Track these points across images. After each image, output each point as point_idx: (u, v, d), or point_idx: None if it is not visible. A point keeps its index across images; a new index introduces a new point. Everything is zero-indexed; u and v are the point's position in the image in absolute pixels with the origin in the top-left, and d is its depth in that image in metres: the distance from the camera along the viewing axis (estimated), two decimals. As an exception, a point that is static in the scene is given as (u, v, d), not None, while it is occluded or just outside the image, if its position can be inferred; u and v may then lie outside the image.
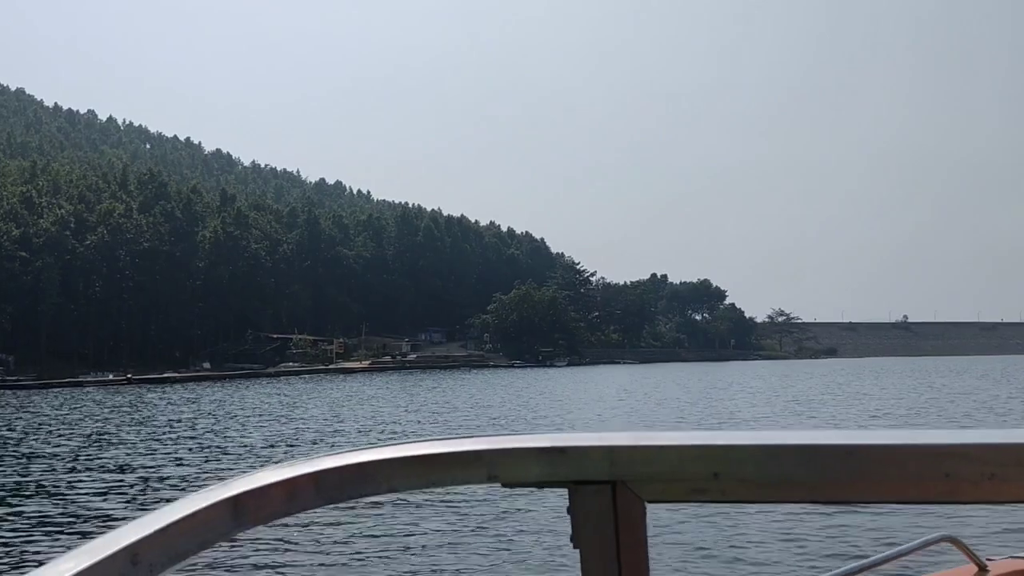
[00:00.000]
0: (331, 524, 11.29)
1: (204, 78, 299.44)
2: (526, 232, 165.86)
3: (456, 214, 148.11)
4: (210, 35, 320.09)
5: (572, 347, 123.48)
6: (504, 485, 0.96)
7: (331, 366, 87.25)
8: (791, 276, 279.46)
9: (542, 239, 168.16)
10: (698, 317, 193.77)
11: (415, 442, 0.97)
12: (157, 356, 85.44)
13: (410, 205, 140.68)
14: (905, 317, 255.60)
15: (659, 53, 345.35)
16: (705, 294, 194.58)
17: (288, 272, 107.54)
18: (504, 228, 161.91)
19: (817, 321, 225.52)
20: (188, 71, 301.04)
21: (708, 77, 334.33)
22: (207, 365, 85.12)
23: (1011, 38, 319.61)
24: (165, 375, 64.36)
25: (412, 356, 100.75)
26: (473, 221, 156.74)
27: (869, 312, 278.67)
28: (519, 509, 12.26)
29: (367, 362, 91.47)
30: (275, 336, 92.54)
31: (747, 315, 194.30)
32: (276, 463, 0.90)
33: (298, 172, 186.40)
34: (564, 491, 0.93)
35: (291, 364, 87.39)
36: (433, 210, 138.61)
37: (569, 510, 0.93)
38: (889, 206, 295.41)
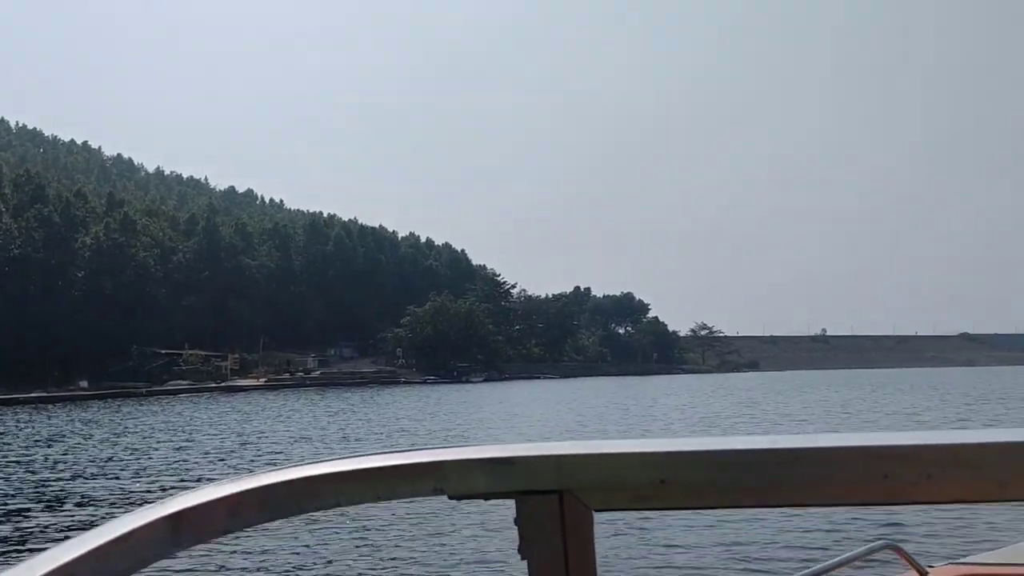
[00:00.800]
0: (276, 539, 11.09)
1: (107, 79, 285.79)
2: (446, 243, 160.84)
3: (374, 224, 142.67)
4: (116, 34, 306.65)
5: (490, 362, 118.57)
6: (451, 497, 0.95)
7: (223, 383, 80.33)
8: (714, 290, 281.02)
9: (463, 250, 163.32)
10: (621, 331, 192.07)
11: (361, 455, 0.96)
12: (33, 374, 77.24)
13: (324, 215, 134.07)
14: (823, 330, 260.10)
15: (574, 61, 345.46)
16: (628, 307, 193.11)
17: (183, 283, 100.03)
18: (423, 239, 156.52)
19: (740, 335, 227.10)
20: (91, 72, 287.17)
21: (627, 83, 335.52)
22: (84, 384, 77.32)
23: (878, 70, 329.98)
24: (13, 396, 56.77)
25: (316, 372, 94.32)
26: (391, 231, 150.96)
27: (789, 325, 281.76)
28: (467, 521, 12.09)
29: (263, 379, 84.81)
30: (163, 352, 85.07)
31: (670, 329, 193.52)
32: (219, 480, 0.89)
33: (206, 179, 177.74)
34: (511, 502, 0.92)
35: (179, 382, 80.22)
36: (346, 219, 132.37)
37: (516, 521, 0.92)
38: (807, 221, 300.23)
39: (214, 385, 79.07)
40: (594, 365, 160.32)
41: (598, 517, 0.93)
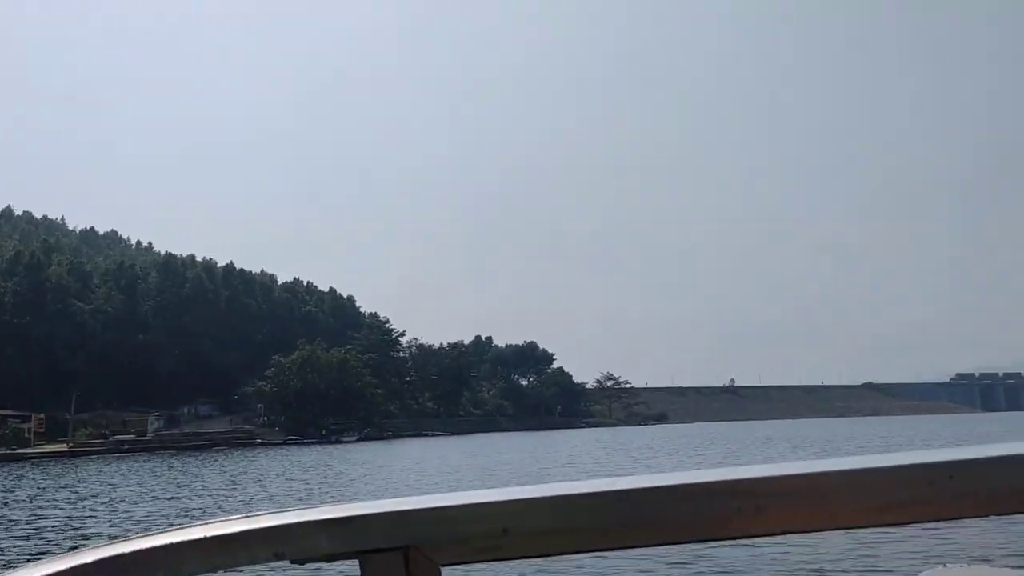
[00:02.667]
0: None
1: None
2: (331, 288, 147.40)
3: (252, 269, 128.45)
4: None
5: (368, 419, 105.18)
6: (293, 562, 0.92)
7: (19, 450, 65.09)
8: (622, 340, 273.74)
9: (350, 297, 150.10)
10: (524, 382, 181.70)
11: (194, 525, 0.93)
12: None
13: (181, 255, 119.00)
14: (732, 381, 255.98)
15: (488, 111, 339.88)
16: (531, 358, 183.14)
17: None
18: (305, 283, 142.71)
19: (648, 386, 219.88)
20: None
21: (537, 137, 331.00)
22: None
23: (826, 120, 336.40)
24: None
25: (149, 435, 79.45)
26: (268, 274, 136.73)
27: (699, 376, 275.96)
28: None
29: (68, 445, 69.77)
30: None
31: (576, 380, 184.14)
32: (37, 560, 0.84)
33: (62, 219, 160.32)
34: (356, 562, 0.91)
35: (-38, 450, 64.70)
36: (206, 259, 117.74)
37: None
38: (715, 273, 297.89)
39: (6, 452, 63.77)
40: (492, 420, 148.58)
41: (446, 572, 0.91)
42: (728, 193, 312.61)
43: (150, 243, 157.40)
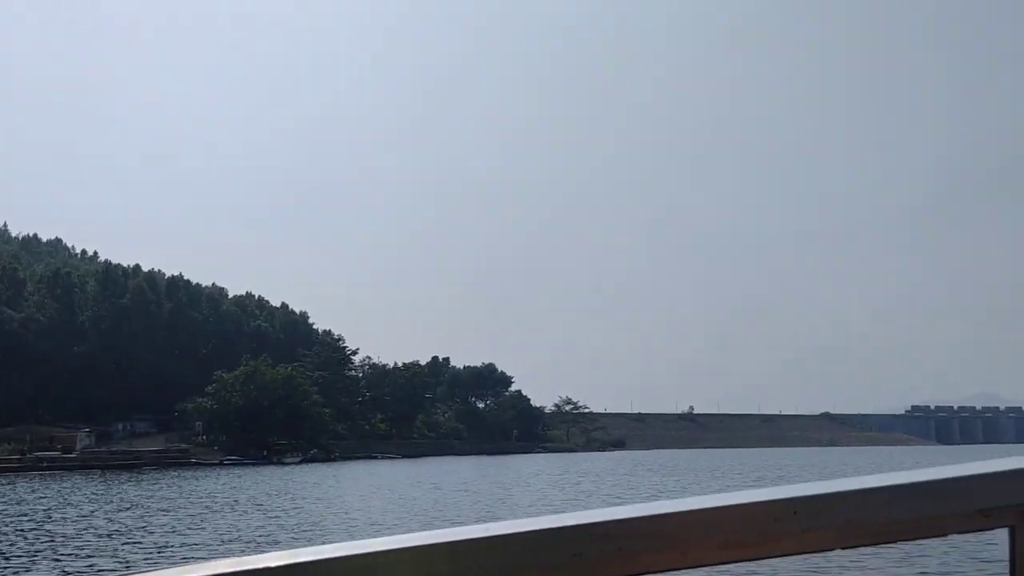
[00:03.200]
0: None
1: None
2: (283, 303, 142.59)
3: (204, 282, 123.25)
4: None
5: (314, 439, 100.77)
6: None
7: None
8: (581, 365, 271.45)
9: (303, 313, 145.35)
10: (481, 404, 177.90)
11: None
12: None
13: (122, 264, 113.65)
14: (691, 408, 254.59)
15: (455, 124, 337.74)
16: (489, 380, 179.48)
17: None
18: (256, 297, 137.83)
19: (607, 412, 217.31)
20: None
21: (506, 154, 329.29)
22: None
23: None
24: None
25: (75, 452, 74.49)
26: (219, 288, 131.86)
27: (658, 403, 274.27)
28: None
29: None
30: None
31: (534, 403, 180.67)
32: None
33: (4, 225, 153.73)
34: None
35: None
36: (150, 270, 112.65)
37: None
38: (677, 298, 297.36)
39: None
40: (447, 443, 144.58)
41: None
42: (689, 213, 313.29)
43: (95, 252, 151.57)
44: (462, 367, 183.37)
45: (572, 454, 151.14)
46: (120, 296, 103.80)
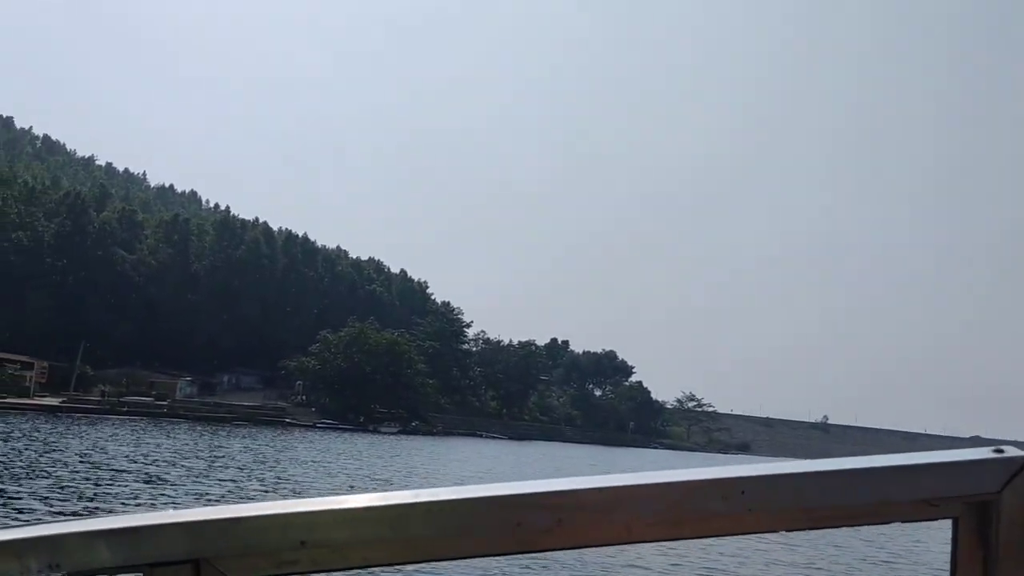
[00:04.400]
0: None
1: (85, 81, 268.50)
2: (402, 271, 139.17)
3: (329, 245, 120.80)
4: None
5: (415, 410, 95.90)
6: (70, 575, 0.87)
7: (12, 400, 58.28)
8: (708, 362, 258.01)
9: (422, 282, 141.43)
10: (598, 392, 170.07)
11: None
12: None
13: (238, 216, 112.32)
14: (825, 418, 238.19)
15: (576, 103, 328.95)
16: (609, 367, 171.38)
17: (29, 271, 78.59)
18: (375, 260, 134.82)
19: (732, 413, 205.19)
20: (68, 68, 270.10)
21: (637, 148, 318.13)
22: None
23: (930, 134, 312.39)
24: None
25: (166, 401, 71.96)
26: (343, 250, 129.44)
27: (789, 409, 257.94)
28: None
29: (58, 399, 62.64)
30: (-56, 349, 63.35)
31: (655, 397, 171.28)
32: None
33: (143, 174, 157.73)
34: None
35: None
36: (266, 222, 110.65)
37: None
38: (815, 303, 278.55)
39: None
40: (557, 428, 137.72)
41: None
42: (824, 210, 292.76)
43: (227, 207, 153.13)
44: (581, 352, 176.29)
45: (692, 453, 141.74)
46: (236, 248, 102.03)
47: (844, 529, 0.96)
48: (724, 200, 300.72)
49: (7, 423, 44.58)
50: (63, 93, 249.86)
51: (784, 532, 0.96)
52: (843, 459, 0.97)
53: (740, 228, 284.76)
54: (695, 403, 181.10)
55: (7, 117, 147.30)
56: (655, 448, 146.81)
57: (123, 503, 19.14)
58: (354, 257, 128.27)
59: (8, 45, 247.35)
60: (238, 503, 0.88)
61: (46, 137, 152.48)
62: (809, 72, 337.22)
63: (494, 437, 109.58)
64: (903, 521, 0.99)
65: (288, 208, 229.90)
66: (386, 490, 0.90)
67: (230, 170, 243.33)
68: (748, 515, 0.93)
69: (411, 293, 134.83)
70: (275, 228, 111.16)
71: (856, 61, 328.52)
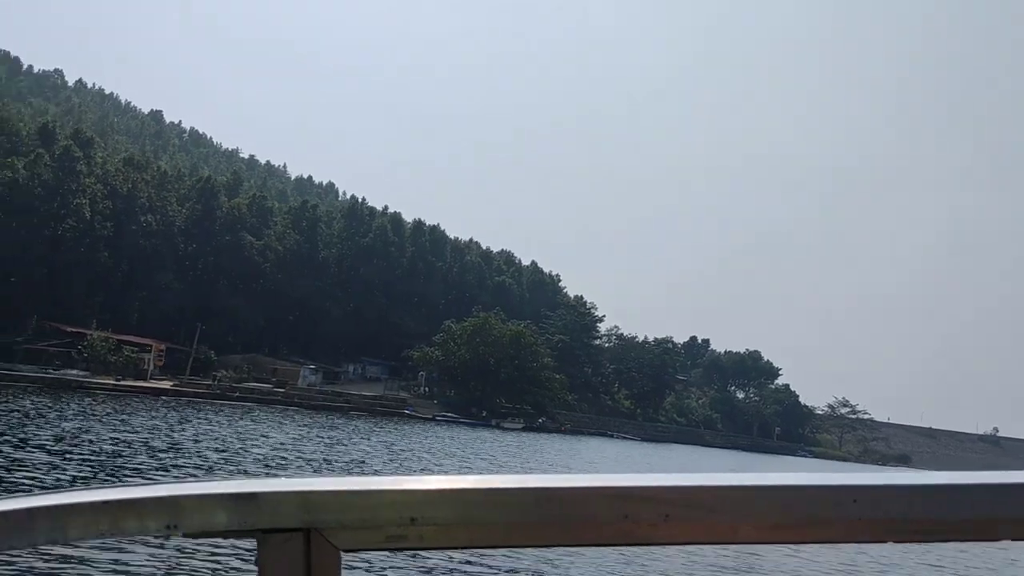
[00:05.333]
0: None
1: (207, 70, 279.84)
2: (532, 262, 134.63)
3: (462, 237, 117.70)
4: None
5: (541, 406, 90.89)
6: (186, 535, 0.89)
7: (128, 382, 57.45)
8: (863, 366, 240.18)
9: (555, 275, 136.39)
10: (741, 395, 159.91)
11: (83, 489, 0.89)
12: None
13: (366, 202, 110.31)
14: (995, 429, 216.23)
15: (718, 105, 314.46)
16: (753, 369, 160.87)
17: (158, 254, 78.98)
18: (505, 252, 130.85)
19: (890, 421, 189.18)
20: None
21: (795, 145, 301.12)
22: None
23: None
24: None
25: (283, 388, 69.97)
26: (476, 242, 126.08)
27: (954, 419, 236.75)
28: (203, 561, 10.43)
29: (170, 382, 61.30)
30: (69, 330, 63.34)
31: (803, 401, 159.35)
32: None
33: (284, 166, 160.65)
34: (253, 540, 0.88)
35: (71, 371, 58.20)
36: (396, 212, 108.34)
37: (257, 561, 0.88)
38: (980, 297, 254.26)
39: (109, 384, 56.17)
40: (695, 431, 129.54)
41: (346, 558, 0.89)
42: (998, 209, 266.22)
43: (364, 199, 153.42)
44: (722, 351, 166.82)
45: (844, 463, 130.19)
46: (363, 235, 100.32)
47: (952, 544, 1.03)
48: (874, 196, 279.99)
49: (97, 403, 42.69)
50: (210, 91, 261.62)
51: (892, 543, 0.92)
52: (956, 473, 0.93)
53: (895, 220, 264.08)
54: (848, 409, 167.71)
55: (157, 110, 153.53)
56: (803, 456, 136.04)
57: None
58: (484, 247, 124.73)
59: (170, 46, 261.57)
60: (349, 476, 0.90)
61: (193, 130, 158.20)
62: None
63: (625, 437, 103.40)
64: (1013, 539, 0.95)
65: (419, 201, 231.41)
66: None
67: (367, 163, 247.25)
68: (858, 524, 0.90)
69: (542, 286, 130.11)
70: (405, 218, 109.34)
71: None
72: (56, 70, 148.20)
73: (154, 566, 10.25)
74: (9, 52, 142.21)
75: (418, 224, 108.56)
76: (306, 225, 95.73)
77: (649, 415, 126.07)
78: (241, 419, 43.16)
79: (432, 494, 0.89)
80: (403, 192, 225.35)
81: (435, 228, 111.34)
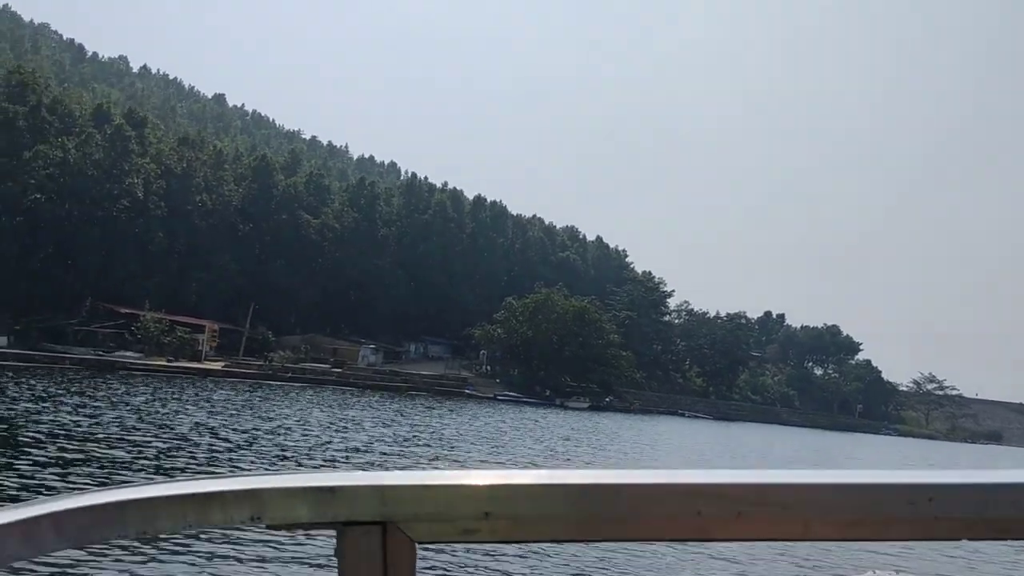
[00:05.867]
0: (74, 567, 8.60)
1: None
2: (598, 237, 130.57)
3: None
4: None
5: (607, 385, 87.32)
6: (269, 527, 0.91)
7: (182, 363, 56.12)
8: (950, 338, 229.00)
9: (620, 250, 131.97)
10: (819, 371, 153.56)
11: (170, 480, 0.91)
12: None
13: (425, 178, 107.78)
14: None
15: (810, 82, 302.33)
16: (831, 344, 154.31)
17: (214, 233, 77.92)
18: (569, 227, 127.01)
19: (979, 397, 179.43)
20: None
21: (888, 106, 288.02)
22: (2, 340, 56.10)
23: None
24: None
25: (337, 368, 67.99)
26: (537, 219, 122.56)
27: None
28: (285, 551, 10.49)
29: (221, 363, 59.68)
30: (122, 311, 62.37)
31: (886, 378, 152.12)
32: (9, 504, 0.82)
33: (345, 147, 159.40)
34: (332, 533, 0.90)
35: (126, 353, 57.23)
36: (454, 188, 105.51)
37: (336, 552, 0.90)
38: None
39: (159, 366, 54.91)
40: (770, 409, 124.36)
41: (422, 550, 0.91)
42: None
43: (426, 177, 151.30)
44: (799, 326, 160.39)
45: (932, 442, 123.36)
46: (422, 212, 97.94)
47: None
48: (966, 166, 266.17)
49: (140, 384, 41.00)
50: (272, 75, 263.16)
51: (967, 541, 0.92)
52: None
53: (996, 193, 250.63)
54: (935, 385, 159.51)
55: (220, 94, 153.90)
56: (888, 434, 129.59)
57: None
58: (547, 223, 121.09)
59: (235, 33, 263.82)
60: (424, 470, 0.89)
61: (255, 112, 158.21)
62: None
63: (698, 416, 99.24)
64: None
65: (481, 177, 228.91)
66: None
67: (430, 143, 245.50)
68: (933, 522, 0.89)
69: (607, 261, 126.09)
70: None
71: None
72: (121, 56, 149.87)
73: (240, 557, 10.26)
74: (73, 40, 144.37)
75: (478, 199, 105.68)
76: (364, 203, 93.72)
77: (722, 393, 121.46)
78: (285, 396, 40.96)
79: (505, 488, 0.89)
80: (466, 171, 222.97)
81: (496, 203, 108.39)
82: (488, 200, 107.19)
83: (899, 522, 0.90)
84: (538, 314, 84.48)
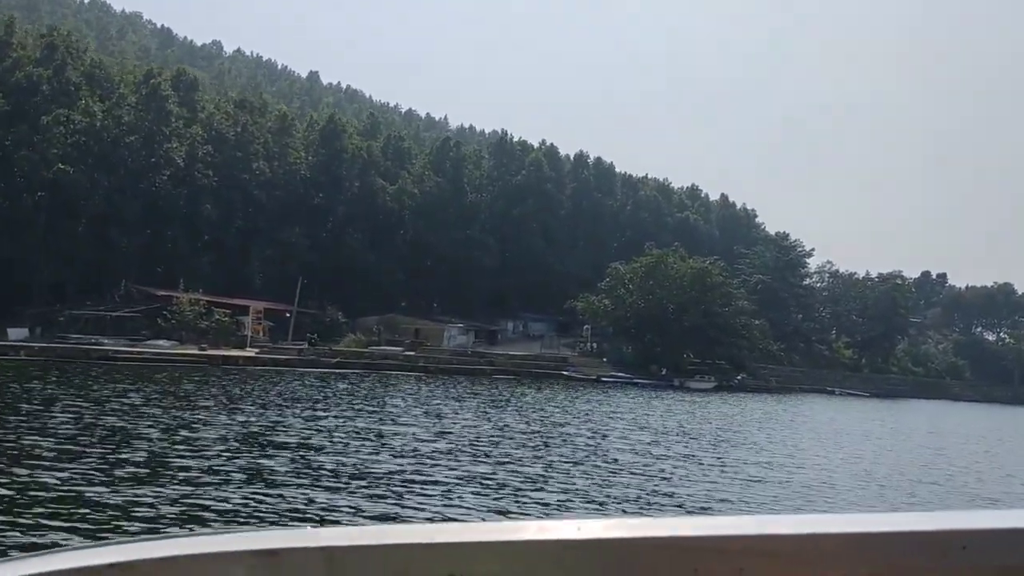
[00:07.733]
0: None
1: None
2: (722, 196, 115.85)
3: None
4: None
5: (737, 360, 73.70)
6: None
7: (207, 351, 47.27)
8: None
9: (748, 209, 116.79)
10: (991, 337, 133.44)
11: (233, 530, 0.85)
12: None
13: (514, 137, 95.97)
14: None
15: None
16: (1004, 305, 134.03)
17: (282, 208, 69.72)
18: (687, 186, 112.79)
19: None
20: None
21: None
22: (22, 332, 49.15)
23: None
24: None
25: (407, 352, 57.64)
26: (652, 179, 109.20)
27: None
28: None
29: (254, 350, 50.23)
30: (159, 294, 54.41)
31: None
32: (36, 552, 0.75)
33: (444, 118, 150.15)
34: None
35: (158, 342, 49.05)
36: (552, 144, 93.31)
37: None
38: None
39: (189, 356, 46.23)
40: (937, 383, 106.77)
41: None
42: None
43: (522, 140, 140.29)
44: (964, 287, 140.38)
45: None
46: (515, 174, 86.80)
47: None
48: None
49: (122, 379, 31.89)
50: (365, 47, 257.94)
51: None
52: None
53: None
54: None
55: (314, 71, 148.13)
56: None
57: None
58: (662, 180, 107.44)
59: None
60: (380, 524, 0.82)
61: (348, 88, 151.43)
62: None
63: (850, 394, 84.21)
64: None
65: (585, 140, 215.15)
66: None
67: (529, 108, 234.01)
68: (966, 573, 0.79)
69: (733, 221, 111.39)
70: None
71: None
72: (214, 41, 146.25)
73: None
74: (161, 24, 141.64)
75: (580, 156, 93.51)
76: (449, 166, 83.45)
77: (877, 366, 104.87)
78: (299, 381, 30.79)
79: (472, 547, 0.80)
80: (565, 131, 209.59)
81: (599, 161, 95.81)
82: (591, 157, 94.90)
83: (926, 573, 0.80)
84: (650, 279, 71.74)
